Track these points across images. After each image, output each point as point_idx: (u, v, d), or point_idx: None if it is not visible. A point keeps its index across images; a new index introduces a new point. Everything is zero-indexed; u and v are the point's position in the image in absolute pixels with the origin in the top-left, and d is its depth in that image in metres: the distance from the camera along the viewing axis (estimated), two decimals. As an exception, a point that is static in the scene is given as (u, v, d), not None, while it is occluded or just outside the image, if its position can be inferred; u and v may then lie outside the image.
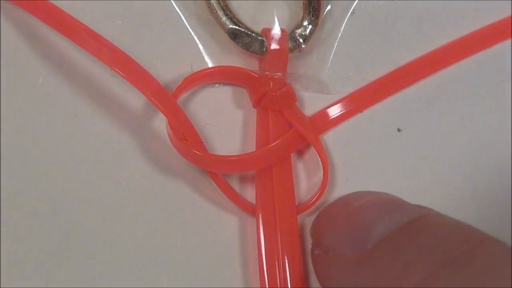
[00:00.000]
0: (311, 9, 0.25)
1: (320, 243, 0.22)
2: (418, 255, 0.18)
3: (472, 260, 0.18)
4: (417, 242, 0.19)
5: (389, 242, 0.19)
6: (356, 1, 0.26)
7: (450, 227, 0.19)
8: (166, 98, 0.23)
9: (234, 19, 0.24)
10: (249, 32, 0.24)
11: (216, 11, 0.24)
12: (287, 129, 0.24)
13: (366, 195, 0.22)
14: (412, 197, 0.21)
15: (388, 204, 0.21)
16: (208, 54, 0.25)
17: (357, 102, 0.25)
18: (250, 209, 0.23)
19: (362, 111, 0.25)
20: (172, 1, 0.25)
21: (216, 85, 0.25)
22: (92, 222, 0.23)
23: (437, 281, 0.17)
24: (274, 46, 0.24)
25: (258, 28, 0.24)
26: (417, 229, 0.19)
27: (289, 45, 0.24)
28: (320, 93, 0.25)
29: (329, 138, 0.25)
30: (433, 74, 0.26)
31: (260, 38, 0.24)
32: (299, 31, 0.24)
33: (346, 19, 0.26)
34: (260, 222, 0.23)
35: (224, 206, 0.24)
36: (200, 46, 0.25)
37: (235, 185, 0.24)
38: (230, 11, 0.24)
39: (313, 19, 0.25)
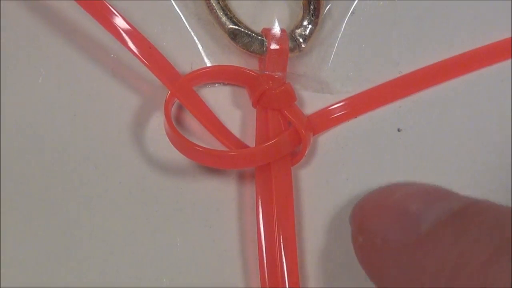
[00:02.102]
0: (311, 9, 0.25)
1: (364, 229, 0.21)
2: (475, 240, 0.18)
3: None
4: (472, 227, 0.18)
5: (443, 228, 0.19)
6: (356, 1, 0.26)
7: (504, 212, 0.19)
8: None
9: (234, 19, 0.24)
10: (249, 32, 0.24)
11: (216, 11, 0.24)
12: (287, 128, 0.24)
13: (411, 184, 0.21)
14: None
15: (436, 192, 0.21)
16: (208, 54, 0.25)
17: (357, 105, 0.25)
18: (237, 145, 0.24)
19: (362, 114, 0.25)
20: (172, 1, 0.25)
21: (216, 85, 0.25)
22: (92, 222, 0.23)
23: (497, 265, 0.17)
24: (274, 46, 0.24)
25: (258, 28, 0.24)
26: (471, 215, 0.19)
27: (289, 45, 0.24)
28: (320, 92, 0.25)
29: (329, 138, 0.25)
30: (434, 85, 0.26)
31: (260, 38, 0.24)
32: (299, 31, 0.24)
33: (346, 19, 0.26)
34: (260, 221, 0.23)
35: (224, 206, 0.24)
36: (200, 46, 0.25)
37: (235, 184, 0.24)
38: (230, 11, 0.24)
39: (313, 19, 0.25)
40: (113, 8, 0.23)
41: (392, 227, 0.20)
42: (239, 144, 0.24)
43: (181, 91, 0.23)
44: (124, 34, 0.23)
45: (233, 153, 0.23)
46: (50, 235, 0.23)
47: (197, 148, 0.22)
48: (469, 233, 0.18)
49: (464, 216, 0.19)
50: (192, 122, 0.24)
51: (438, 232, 0.19)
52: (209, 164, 0.23)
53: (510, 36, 0.26)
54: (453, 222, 0.19)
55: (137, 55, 0.23)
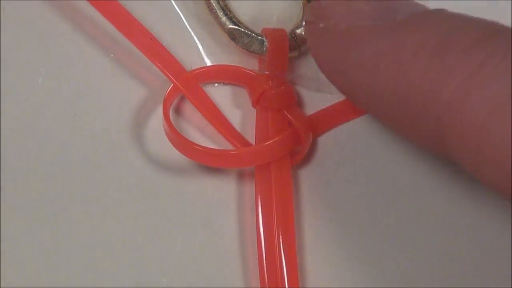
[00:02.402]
0: (311, 9, 0.25)
1: (326, 15, 0.19)
2: (466, 22, 0.17)
3: None
4: (457, 16, 0.17)
5: (420, 17, 0.17)
6: (356, 1, 0.26)
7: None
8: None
9: (234, 19, 0.24)
10: (249, 32, 0.24)
11: (216, 11, 0.24)
12: (287, 128, 0.24)
13: None
14: (412, 195, 0.21)
15: None
16: (208, 54, 0.25)
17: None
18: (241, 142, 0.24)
19: (363, 114, 0.25)
20: (172, 1, 0.25)
21: (216, 85, 0.25)
22: (92, 222, 0.23)
23: (489, 45, 0.16)
24: (274, 46, 0.24)
25: (258, 28, 0.24)
26: (450, 12, 0.18)
27: (289, 45, 0.24)
28: (320, 92, 0.25)
29: (329, 138, 0.25)
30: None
31: (260, 38, 0.24)
32: (299, 31, 0.24)
33: (346, 19, 0.26)
34: (260, 221, 0.23)
35: (224, 206, 0.24)
36: (200, 46, 0.25)
37: (234, 184, 0.24)
38: (230, 11, 0.24)
39: (313, 19, 0.25)
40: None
41: (362, 14, 0.18)
42: (243, 141, 0.24)
43: (186, 86, 0.23)
44: (131, 30, 0.23)
45: (232, 152, 0.23)
46: (50, 235, 0.23)
47: (196, 147, 0.22)
48: (452, 20, 0.17)
49: (440, 12, 0.18)
50: (190, 121, 0.24)
51: (415, 20, 0.17)
52: (209, 164, 0.23)
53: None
54: (431, 13, 0.18)
55: (142, 49, 0.23)
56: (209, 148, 0.23)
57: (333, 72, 0.19)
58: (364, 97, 0.19)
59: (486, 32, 0.16)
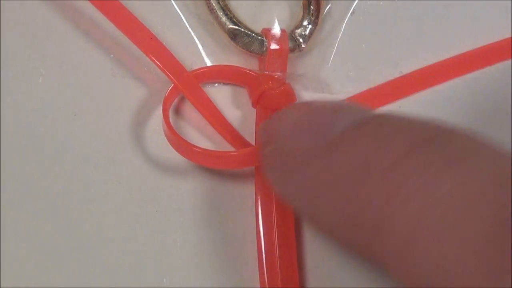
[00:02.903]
0: (311, 9, 0.25)
1: (272, 140, 0.20)
2: (391, 137, 0.17)
3: (453, 139, 0.17)
4: (388, 127, 0.18)
5: (351, 134, 0.18)
6: (356, 1, 0.26)
7: (411, 119, 0.18)
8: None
9: (234, 19, 0.24)
10: (249, 32, 0.24)
11: (216, 11, 0.24)
12: (287, 128, 0.24)
13: (318, 101, 0.21)
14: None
15: (345, 105, 0.20)
16: (208, 54, 0.25)
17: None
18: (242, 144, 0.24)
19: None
20: (172, 1, 0.25)
21: (216, 85, 0.25)
22: (92, 222, 0.23)
23: (416, 158, 0.17)
24: (274, 46, 0.24)
25: (258, 28, 0.24)
26: (380, 122, 0.18)
27: (289, 45, 0.24)
28: (320, 93, 0.25)
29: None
30: (435, 85, 0.26)
31: (260, 38, 0.24)
32: (299, 31, 0.24)
33: (346, 19, 0.26)
34: (260, 221, 0.23)
35: (224, 206, 0.24)
36: (200, 46, 0.25)
37: (234, 184, 0.24)
38: (230, 11, 0.24)
39: (313, 19, 0.25)
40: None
41: (302, 135, 0.19)
42: (242, 142, 0.24)
43: (187, 86, 0.23)
44: (131, 29, 0.23)
45: (232, 154, 0.23)
46: (50, 235, 0.23)
47: (195, 149, 0.22)
48: (377, 137, 0.18)
49: (373, 123, 0.18)
50: (190, 122, 0.24)
51: (346, 138, 0.18)
52: (208, 165, 0.23)
53: (510, 36, 0.26)
54: (361, 128, 0.18)
55: (143, 49, 0.23)
56: (209, 150, 0.23)
57: (282, 192, 0.21)
58: (308, 217, 0.21)
59: (407, 146, 0.17)
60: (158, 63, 0.23)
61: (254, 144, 0.24)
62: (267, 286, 0.22)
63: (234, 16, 0.24)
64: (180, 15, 0.25)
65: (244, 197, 0.24)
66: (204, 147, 0.23)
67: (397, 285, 0.17)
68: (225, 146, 0.24)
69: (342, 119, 0.19)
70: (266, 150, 0.21)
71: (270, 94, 0.23)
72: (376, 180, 0.17)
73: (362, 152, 0.18)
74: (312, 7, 0.25)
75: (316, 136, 0.19)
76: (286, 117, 0.21)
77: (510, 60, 0.26)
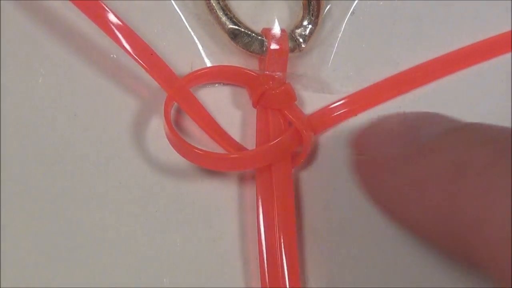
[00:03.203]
0: (311, 9, 0.25)
1: (365, 149, 0.22)
2: (475, 148, 0.18)
3: None
4: (471, 137, 0.19)
5: (442, 139, 0.20)
6: (356, 1, 0.26)
7: (501, 128, 0.19)
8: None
9: (234, 19, 0.24)
10: (249, 32, 0.24)
11: (216, 11, 0.24)
12: (287, 128, 0.24)
13: (409, 112, 0.22)
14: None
15: (435, 115, 0.21)
16: (208, 54, 0.25)
17: (357, 102, 0.25)
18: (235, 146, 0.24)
19: (362, 112, 0.25)
20: (172, 1, 0.25)
21: (216, 85, 0.25)
22: (92, 222, 0.23)
23: (497, 168, 0.18)
24: (274, 46, 0.24)
25: (258, 28, 0.24)
26: (469, 129, 0.20)
27: (289, 45, 0.24)
28: (320, 92, 0.25)
29: (329, 137, 0.25)
30: (434, 80, 0.26)
31: (260, 38, 0.24)
32: (299, 31, 0.24)
33: (346, 19, 0.26)
34: (261, 222, 0.23)
35: (225, 206, 0.24)
36: (200, 46, 0.25)
37: (235, 185, 0.24)
38: (230, 11, 0.24)
39: (313, 19, 0.25)
40: (109, 9, 0.22)
41: (393, 143, 0.21)
42: (237, 146, 0.24)
43: (179, 94, 0.23)
44: (120, 37, 0.23)
45: (233, 156, 0.23)
46: (50, 235, 0.23)
47: (197, 151, 0.22)
48: (468, 142, 0.19)
49: (464, 130, 0.20)
50: (191, 123, 0.24)
51: (437, 143, 0.20)
52: (210, 167, 0.23)
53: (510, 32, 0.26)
54: (452, 134, 0.20)
55: (134, 57, 0.23)
56: (210, 152, 0.23)
57: (377, 198, 0.22)
58: (401, 220, 0.22)
59: (498, 151, 0.18)
60: (150, 73, 0.23)
61: (251, 147, 0.24)
62: (268, 286, 0.22)
63: (234, 16, 0.24)
64: (180, 15, 0.25)
65: (244, 197, 0.24)
66: (205, 149, 0.23)
67: (491, 285, 0.18)
68: (226, 146, 0.24)
69: (429, 128, 0.20)
70: (359, 159, 0.22)
71: (270, 94, 0.23)
72: (472, 178, 0.18)
73: (457, 154, 0.19)
74: (312, 7, 0.25)
75: (406, 143, 0.20)
76: (378, 128, 0.22)
77: (510, 53, 0.26)
